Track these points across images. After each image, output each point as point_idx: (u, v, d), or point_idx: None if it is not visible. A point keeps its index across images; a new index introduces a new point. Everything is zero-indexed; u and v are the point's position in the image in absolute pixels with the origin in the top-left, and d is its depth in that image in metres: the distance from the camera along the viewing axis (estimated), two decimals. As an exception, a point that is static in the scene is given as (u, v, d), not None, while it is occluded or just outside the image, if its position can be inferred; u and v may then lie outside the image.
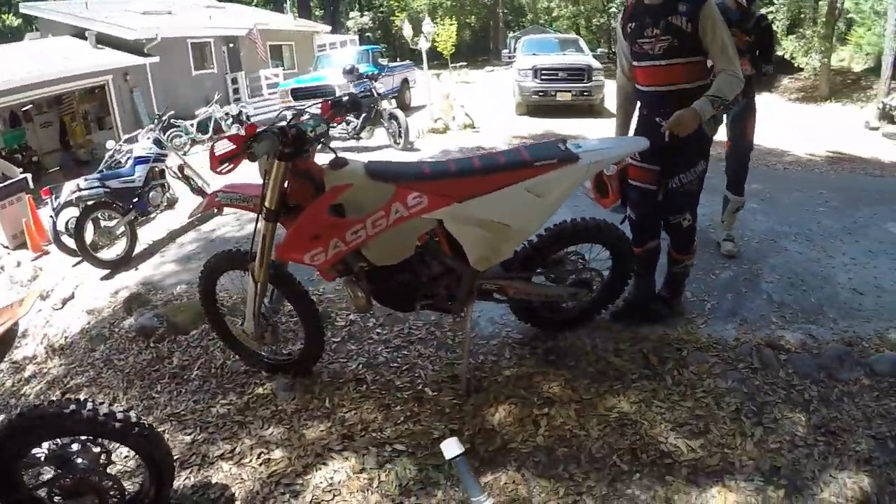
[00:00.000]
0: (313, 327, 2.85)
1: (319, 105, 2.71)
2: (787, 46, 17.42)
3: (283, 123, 2.41)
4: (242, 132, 2.31)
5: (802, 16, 17.53)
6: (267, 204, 2.42)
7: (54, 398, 3.42)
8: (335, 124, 2.66)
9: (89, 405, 2.00)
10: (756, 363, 2.80)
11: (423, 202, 2.38)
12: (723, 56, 2.66)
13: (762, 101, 17.48)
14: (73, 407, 1.97)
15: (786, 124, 12.31)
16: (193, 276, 4.54)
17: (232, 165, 2.31)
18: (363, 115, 8.65)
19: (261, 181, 2.47)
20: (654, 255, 3.18)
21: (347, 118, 8.39)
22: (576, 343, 3.04)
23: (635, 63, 2.90)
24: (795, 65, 18.14)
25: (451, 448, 1.32)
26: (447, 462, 1.32)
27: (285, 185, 2.40)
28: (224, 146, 2.29)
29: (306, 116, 2.51)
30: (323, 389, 2.90)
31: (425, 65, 11.72)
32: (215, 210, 2.85)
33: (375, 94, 9.15)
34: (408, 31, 11.61)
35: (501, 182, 2.42)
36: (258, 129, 2.35)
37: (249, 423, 2.75)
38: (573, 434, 2.44)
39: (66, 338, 4.17)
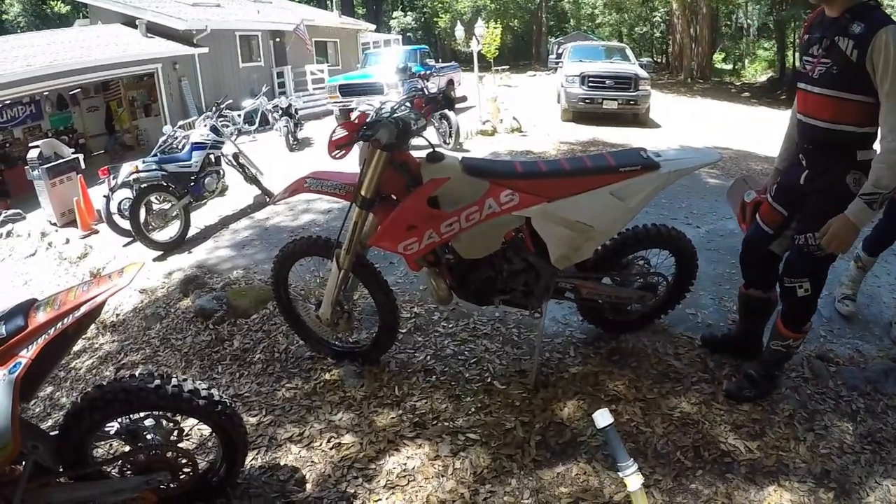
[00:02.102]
0: (389, 318, 2.86)
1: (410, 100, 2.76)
2: None
3: (387, 114, 2.50)
4: (355, 120, 2.44)
5: None
6: (363, 192, 2.45)
7: (108, 373, 3.46)
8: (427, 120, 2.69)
9: (173, 381, 1.99)
10: (807, 373, 2.84)
11: (514, 199, 2.44)
12: (889, 111, 2.02)
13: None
14: (157, 382, 1.95)
15: None
16: (249, 261, 4.61)
17: (345, 152, 2.43)
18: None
19: (339, 170, 2.55)
20: (755, 305, 2.81)
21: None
22: (637, 345, 3.09)
23: (798, 84, 2.39)
24: None
25: (603, 418, 1.40)
26: (598, 431, 1.40)
27: (383, 175, 2.43)
28: (340, 133, 2.42)
29: (404, 110, 2.57)
30: (392, 378, 2.90)
31: (476, 67, 11.70)
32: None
33: (426, 94, 9.15)
34: (459, 32, 11.61)
35: (588, 185, 2.51)
36: (368, 119, 2.44)
37: (317, 408, 2.76)
38: (639, 431, 2.47)
39: (117, 315, 4.21)
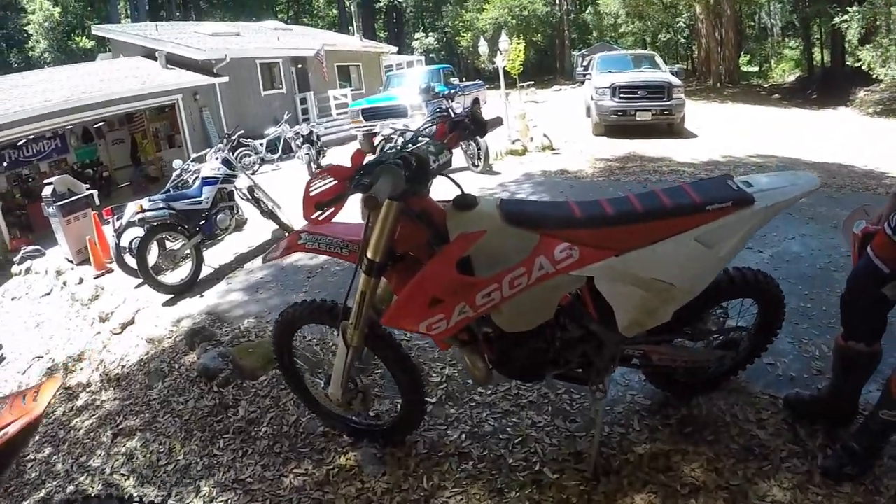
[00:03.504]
0: (413, 396, 2.36)
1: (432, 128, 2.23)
2: (864, 57, 16.55)
3: (397, 148, 1.95)
4: (347, 163, 1.84)
5: (878, 23, 16.39)
6: (370, 254, 1.93)
7: (105, 438, 3.18)
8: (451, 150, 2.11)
9: None
10: None
11: (573, 256, 1.89)
12: None
13: (836, 115, 16.34)
14: None
15: (869, 141, 11.45)
16: (262, 308, 4.20)
17: (333, 210, 1.83)
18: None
19: (355, 219, 2.00)
20: (856, 361, 2.32)
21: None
22: (712, 411, 2.59)
23: None
24: (873, 76, 16.99)
25: None
26: None
27: (395, 230, 1.90)
28: (322, 184, 1.81)
29: (424, 141, 2.02)
30: (419, 465, 2.41)
31: (502, 83, 11.34)
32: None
33: (452, 114, 8.77)
34: (483, 48, 11.28)
35: (668, 230, 1.94)
36: (367, 159, 1.87)
37: (330, 503, 2.30)
38: None
39: (122, 367, 3.91)
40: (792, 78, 29.60)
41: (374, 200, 1.67)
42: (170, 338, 3.98)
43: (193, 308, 4.45)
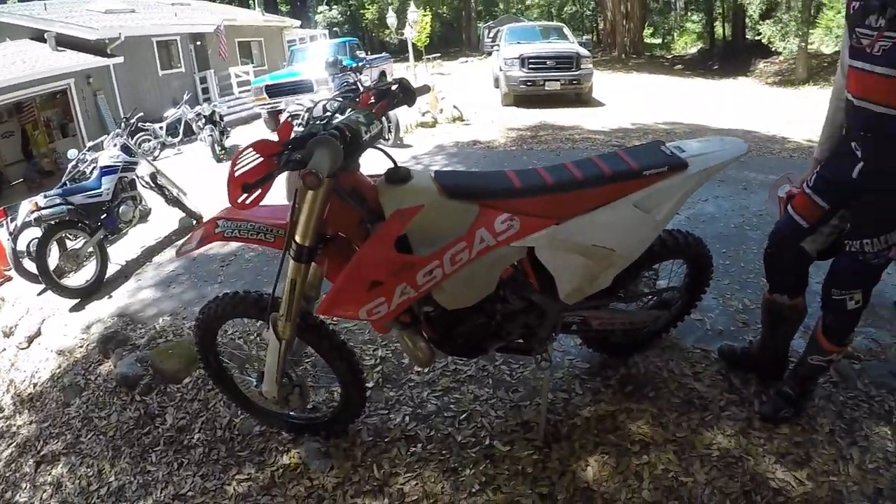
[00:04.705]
0: (353, 385, 2.24)
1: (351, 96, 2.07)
2: (765, 31, 17.79)
3: (326, 118, 1.78)
4: (275, 135, 1.65)
5: (778, 0, 17.66)
6: (299, 238, 1.76)
7: (27, 469, 2.87)
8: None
9: None
10: (835, 376, 2.58)
11: (514, 226, 1.84)
12: None
13: (738, 84, 17.44)
14: None
15: (770, 109, 12.28)
16: (177, 304, 3.95)
17: (261, 192, 1.64)
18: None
19: (273, 200, 1.81)
20: (782, 315, 2.43)
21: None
22: (650, 369, 2.67)
23: (849, 60, 2.01)
24: (773, 49, 18.31)
25: None
26: None
27: (325, 210, 1.75)
28: (248, 163, 1.61)
29: (350, 111, 1.85)
30: (367, 454, 2.32)
31: (411, 55, 11.17)
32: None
33: (361, 88, 8.57)
34: (392, 20, 11.03)
35: (607, 196, 1.94)
36: (296, 132, 1.71)
37: (280, 506, 2.17)
38: (680, 483, 2.11)
39: (35, 385, 3.54)
40: (694, 50, 31.09)
41: (316, 177, 1.47)
42: (81, 347, 3.64)
43: (103, 311, 4.09)
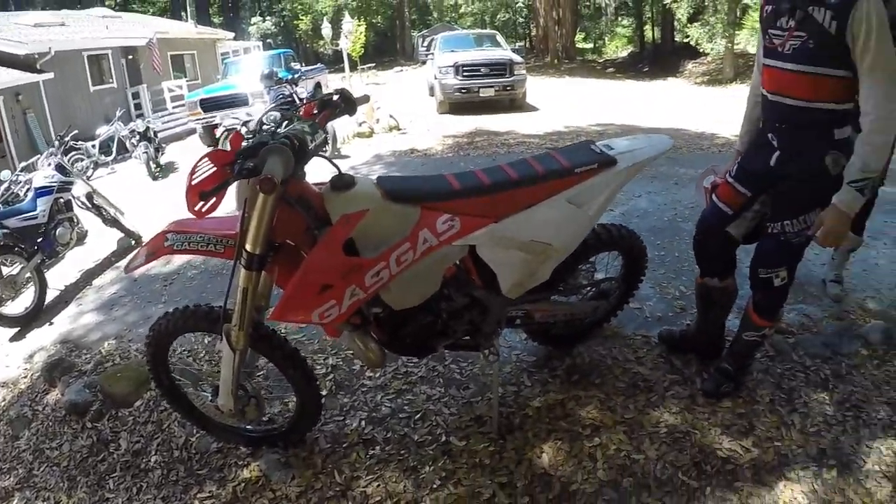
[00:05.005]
0: (308, 393, 2.26)
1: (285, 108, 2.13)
2: (693, 33, 18.62)
3: (273, 128, 1.84)
4: (226, 144, 1.72)
5: (705, 4, 18.61)
6: (249, 247, 1.79)
7: None
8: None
9: None
10: (771, 351, 2.78)
11: (455, 226, 1.93)
12: (872, 84, 1.86)
13: (668, 85, 18.15)
14: None
15: (700, 108, 12.81)
16: (121, 326, 3.86)
17: (215, 201, 1.69)
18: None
19: (219, 213, 1.83)
20: (713, 296, 2.59)
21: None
22: (594, 357, 2.83)
23: (763, 59, 2.19)
24: (701, 50, 19.21)
25: None
26: None
27: (273, 218, 1.79)
28: (203, 172, 1.66)
29: (295, 122, 1.91)
30: (327, 460, 2.35)
31: (347, 66, 11.17)
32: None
33: (297, 100, 8.53)
34: (327, 31, 11.02)
35: (542, 194, 2.07)
36: (248, 141, 1.75)
37: (245, 521, 2.17)
38: (632, 460, 2.23)
39: (-20, 421, 3.35)
40: (625, 53, 32.24)
41: (271, 182, 1.54)
42: (25, 377, 3.49)
43: (45, 339, 3.95)
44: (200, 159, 1.70)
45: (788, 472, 2.14)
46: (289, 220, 1.84)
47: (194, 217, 1.75)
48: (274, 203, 1.74)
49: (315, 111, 2.09)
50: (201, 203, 1.67)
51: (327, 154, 7.98)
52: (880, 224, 4.23)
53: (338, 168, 1.93)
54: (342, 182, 1.86)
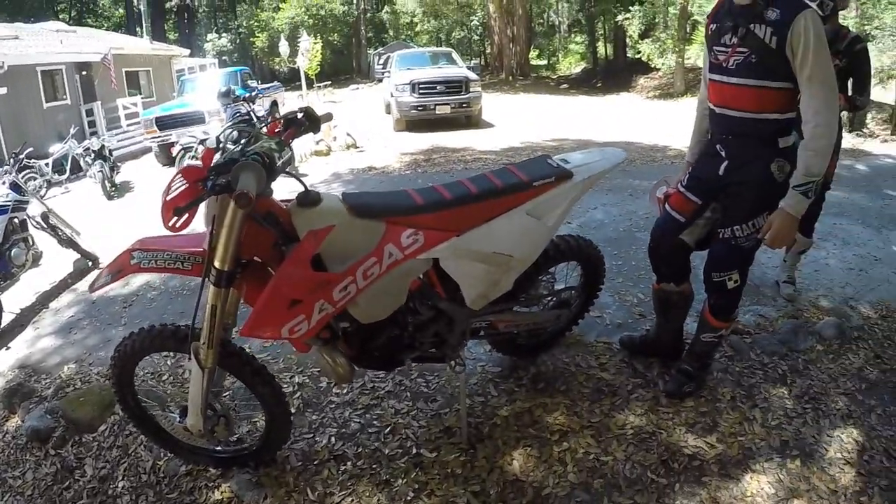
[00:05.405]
0: (278, 410, 2.26)
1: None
2: (644, 49, 19.23)
3: (241, 145, 1.86)
4: (196, 162, 1.75)
5: (656, 21, 19.21)
6: (218, 264, 1.81)
7: None
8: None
9: None
10: (728, 351, 2.93)
11: (419, 240, 1.99)
12: (812, 94, 2.00)
13: (621, 100, 18.68)
14: None
15: (652, 121, 13.22)
16: (81, 350, 3.78)
17: (189, 216, 1.73)
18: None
19: (180, 232, 1.86)
20: (670, 301, 2.72)
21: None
22: (558, 365, 2.92)
23: (709, 74, 2.33)
24: (652, 65, 19.84)
25: None
26: None
27: (241, 235, 1.82)
28: (177, 188, 1.70)
29: (263, 140, 1.92)
30: (299, 478, 2.35)
31: (304, 84, 11.17)
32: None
33: (255, 118, 8.50)
34: (284, 48, 10.99)
35: (501, 207, 2.15)
36: (218, 158, 1.78)
37: (218, 544, 2.15)
38: (601, 462, 2.31)
39: (-60, 450, 3.21)
40: (578, 69, 33.08)
41: (247, 197, 1.58)
42: None
43: (2, 364, 3.80)
44: (175, 176, 1.75)
45: (754, 464, 2.24)
46: (257, 237, 1.87)
47: (155, 235, 1.78)
48: (242, 219, 1.77)
49: (279, 129, 2.12)
50: (175, 218, 1.71)
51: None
52: (829, 226, 4.49)
53: (304, 185, 1.97)
54: (309, 199, 1.90)
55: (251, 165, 1.67)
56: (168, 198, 1.72)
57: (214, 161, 1.79)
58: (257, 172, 1.67)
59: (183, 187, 1.73)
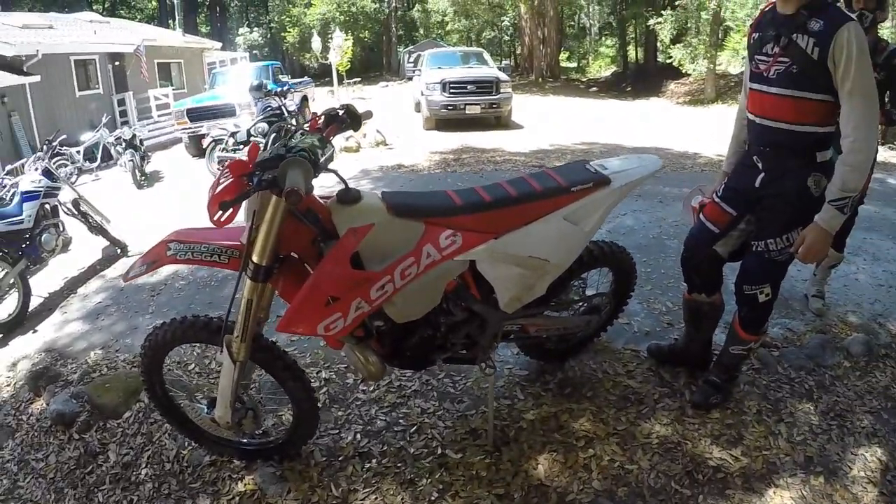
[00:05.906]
0: (306, 405, 2.26)
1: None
2: (675, 55, 18.96)
3: (285, 140, 1.85)
4: (243, 156, 1.75)
5: (688, 26, 18.97)
6: (256, 258, 1.82)
7: None
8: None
9: None
10: (756, 364, 2.88)
11: (457, 241, 1.97)
12: (852, 107, 1.95)
13: (650, 105, 18.40)
14: None
15: (682, 128, 13.05)
16: (107, 336, 3.81)
17: (233, 211, 1.72)
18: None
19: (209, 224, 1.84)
20: (701, 310, 2.66)
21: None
22: (585, 371, 2.89)
23: (749, 83, 2.28)
24: (683, 71, 19.59)
25: None
26: None
27: (282, 231, 1.81)
28: (224, 182, 1.69)
29: (300, 134, 1.92)
30: (323, 473, 2.34)
31: (335, 80, 11.20)
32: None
33: (286, 112, 8.54)
34: (316, 44, 11.04)
35: (539, 211, 2.12)
36: (264, 153, 1.77)
37: (241, 537, 2.14)
38: (626, 470, 2.28)
39: (-40, 430, 3.27)
40: (608, 73, 32.77)
41: (297, 195, 1.56)
42: (9, 385, 3.41)
43: (29, 347, 3.86)
44: (224, 170, 1.74)
45: (777, 479, 2.21)
46: (296, 233, 1.86)
47: (189, 227, 1.77)
48: (283, 215, 1.77)
49: (321, 125, 2.11)
50: (220, 213, 1.70)
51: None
52: (860, 241, 4.36)
53: (345, 182, 1.96)
54: (349, 196, 1.89)
55: (299, 162, 1.65)
56: (216, 192, 1.71)
57: (260, 156, 1.78)
58: (305, 169, 1.65)
59: (229, 182, 1.72)
